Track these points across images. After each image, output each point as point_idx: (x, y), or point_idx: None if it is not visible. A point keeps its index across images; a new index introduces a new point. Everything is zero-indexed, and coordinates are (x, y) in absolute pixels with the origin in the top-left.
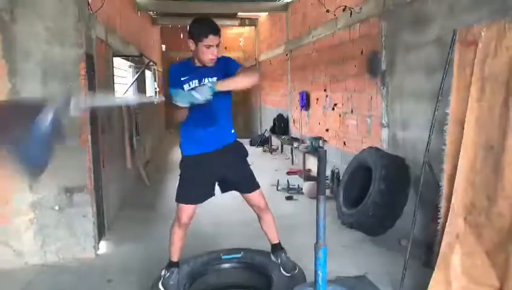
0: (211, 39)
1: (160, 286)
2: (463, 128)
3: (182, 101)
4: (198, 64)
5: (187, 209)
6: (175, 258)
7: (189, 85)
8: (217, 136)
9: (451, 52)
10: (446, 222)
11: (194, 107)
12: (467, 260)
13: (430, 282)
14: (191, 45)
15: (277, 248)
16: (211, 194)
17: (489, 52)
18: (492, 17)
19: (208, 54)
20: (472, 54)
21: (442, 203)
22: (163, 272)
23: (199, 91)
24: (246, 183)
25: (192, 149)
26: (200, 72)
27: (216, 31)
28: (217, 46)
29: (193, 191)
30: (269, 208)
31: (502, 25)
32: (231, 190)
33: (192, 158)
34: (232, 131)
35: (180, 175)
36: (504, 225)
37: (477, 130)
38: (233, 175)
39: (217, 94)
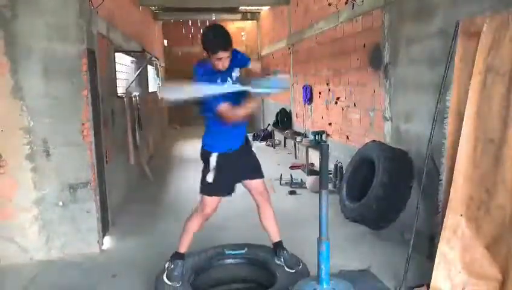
0: (221, 54)
1: (165, 278)
2: (462, 121)
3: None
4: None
5: (215, 201)
6: (183, 250)
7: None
8: (241, 134)
9: (454, 44)
10: (444, 216)
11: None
12: (466, 255)
13: (432, 279)
14: (205, 53)
15: (278, 246)
16: (234, 189)
17: (492, 44)
18: (495, 9)
19: (219, 65)
20: (474, 45)
21: (442, 197)
22: (167, 264)
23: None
24: (254, 170)
25: (223, 147)
26: (222, 73)
27: (226, 47)
28: (228, 57)
29: (225, 184)
30: (271, 203)
31: (505, 16)
32: (243, 178)
33: (226, 155)
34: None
35: (214, 170)
36: (505, 217)
37: (477, 123)
38: (247, 164)
39: (244, 95)
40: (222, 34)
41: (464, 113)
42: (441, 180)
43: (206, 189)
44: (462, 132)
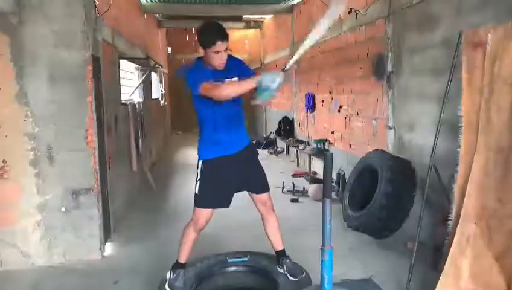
0: (219, 45)
1: (167, 288)
2: (475, 131)
3: (267, 80)
4: (209, 67)
5: (206, 213)
6: (183, 260)
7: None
8: (238, 139)
9: (457, 55)
10: (456, 224)
11: (217, 111)
12: (475, 264)
13: (438, 285)
14: (200, 50)
15: (281, 255)
16: (230, 200)
17: (497, 54)
18: (498, 19)
19: (217, 60)
20: (480, 56)
21: (454, 206)
22: (168, 274)
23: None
24: (260, 183)
25: (214, 152)
26: (217, 74)
27: (224, 37)
28: (225, 50)
29: (214, 195)
30: (275, 212)
31: (509, 26)
32: (244, 189)
33: (214, 161)
34: (247, 133)
35: (200, 180)
36: None
37: (487, 133)
38: (250, 176)
39: (235, 98)
40: (219, 26)
41: (474, 123)
42: (452, 189)
43: (195, 200)
44: (476, 142)
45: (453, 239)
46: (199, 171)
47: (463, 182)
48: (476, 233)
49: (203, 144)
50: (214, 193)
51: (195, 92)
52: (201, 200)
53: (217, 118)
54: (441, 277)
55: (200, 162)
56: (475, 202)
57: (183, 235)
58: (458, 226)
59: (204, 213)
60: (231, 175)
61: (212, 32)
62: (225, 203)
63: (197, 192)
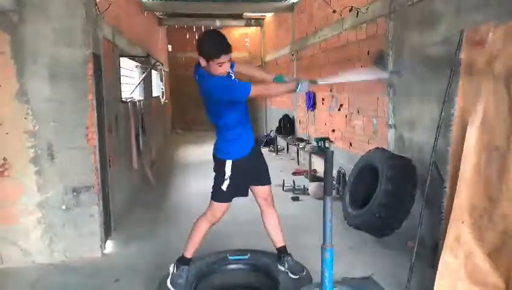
0: (223, 58)
1: (169, 285)
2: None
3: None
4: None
5: (224, 207)
6: (189, 254)
7: None
8: (252, 135)
9: (459, 53)
10: (447, 223)
11: (237, 110)
12: (468, 263)
13: (435, 286)
14: (202, 61)
15: (282, 252)
16: (247, 192)
17: (496, 53)
18: (499, 18)
19: (221, 70)
20: (479, 54)
21: (445, 205)
22: (171, 269)
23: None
24: (264, 176)
25: (242, 152)
26: None
27: (228, 50)
28: (229, 61)
29: (238, 191)
30: (275, 208)
31: (509, 26)
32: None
33: (241, 160)
34: None
35: (228, 178)
36: (508, 226)
37: (482, 131)
38: (259, 169)
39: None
40: (222, 38)
41: (468, 121)
42: (445, 187)
43: (220, 196)
44: (466, 139)
45: (444, 239)
46: (228, 170)
47: (454, 180)
48: (466, 233)
49: (230, 145)
50: (238, 189)
51: (247, 95)
52: (226, 196)
53: (243, 118)
54: (436, 278)
55: (229, 162)
56: (465, 200)
57: (195, 228)
58: (448, 225)
59: (224, 207)
60: (251, 171)
61: (216, 44)
62: (244, 195)
63: (224, 189)
